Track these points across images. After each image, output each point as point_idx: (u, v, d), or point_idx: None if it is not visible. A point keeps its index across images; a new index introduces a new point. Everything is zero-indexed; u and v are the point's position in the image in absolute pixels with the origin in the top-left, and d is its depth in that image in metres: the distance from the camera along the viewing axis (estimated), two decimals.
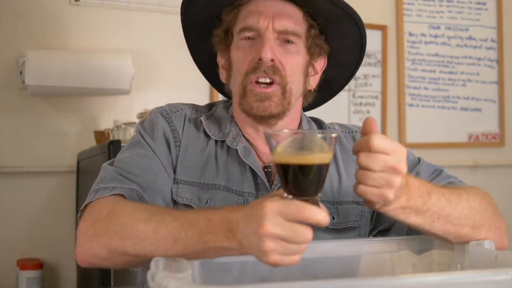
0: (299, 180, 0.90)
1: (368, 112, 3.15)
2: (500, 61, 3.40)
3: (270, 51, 1.23)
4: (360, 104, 3.16)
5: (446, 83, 3.32)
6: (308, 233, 0.88)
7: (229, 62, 1.32)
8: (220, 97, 2.84)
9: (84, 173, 2.52)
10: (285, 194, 0.92)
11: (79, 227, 1.13)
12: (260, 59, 1.23)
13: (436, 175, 1.30)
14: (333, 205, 1.31)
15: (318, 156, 0.90)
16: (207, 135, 1.33)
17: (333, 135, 0.92)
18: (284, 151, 0.90)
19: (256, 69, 1.24)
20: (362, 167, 0.96)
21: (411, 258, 1.20)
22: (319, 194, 0.92)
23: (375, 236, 1.37)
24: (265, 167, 1.30)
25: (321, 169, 0.90)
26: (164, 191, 1.26)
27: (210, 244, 0.95)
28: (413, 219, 1.06)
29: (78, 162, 2.61)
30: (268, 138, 0.93)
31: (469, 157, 3.31)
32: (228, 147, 1.31)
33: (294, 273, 1.14)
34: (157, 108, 1.36)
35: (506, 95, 3.41)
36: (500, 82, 3.40)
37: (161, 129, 1.31)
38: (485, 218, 1.14)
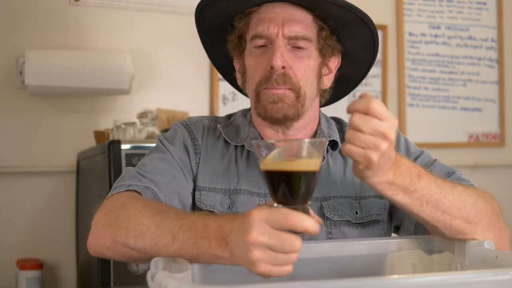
0: (287, 188, 0.90)
1: None
2: (500, 61, 3.40)
3: (281, 59, 1.25)
4: None
5: (446, 83, 3.32)
6: (296, 242, 0.86)
7: (243, 68, 1.35)
8: (220, 97, 2.86)
9: (84, 173, 2.52)
10: (275, 204, 0.92)
11: (94, 217, 1.15)
12: (271, 67, 1.25)
13: (447, 176, 1.30)
14: (356, 200, 1.33)
15: (305, 163, 0.90)
16: (227, 142, 1.36)
17: (322, 140, 0.95)
18: (272, 159, 0.90)
19: (268, 78, 1.26)
20: (353, 127, 0.98)
21: (411, 258, 1.20)
22: (309, 202, 0.92)
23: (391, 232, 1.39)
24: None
25: (309, 176, 0.90)
26: (181, 192, 1.28)
27: (204, 250, 0.96)
28: (400, 197, 1.07)
29: (78, 162, 2.61)
30: (256, 147, 0.93)
31: (469, 157, 3.31)
32: (248, 151, 1.33)
33: (294, 273, 1.14)
34: (178, 120, 1.41)
35: (506, 95, 3.41)
36: (500, 82, 3.40)
37: (181, 137, 1.35)
38: (482, 215, 1.13)
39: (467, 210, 1.12)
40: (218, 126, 1.37)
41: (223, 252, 0.93)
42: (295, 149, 0.91)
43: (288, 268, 0.89)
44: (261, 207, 0.90)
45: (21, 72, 2.56)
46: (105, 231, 1.10)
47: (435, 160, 1.36)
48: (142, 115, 2.46)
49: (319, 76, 1.33)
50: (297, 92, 1.27)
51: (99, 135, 2.50)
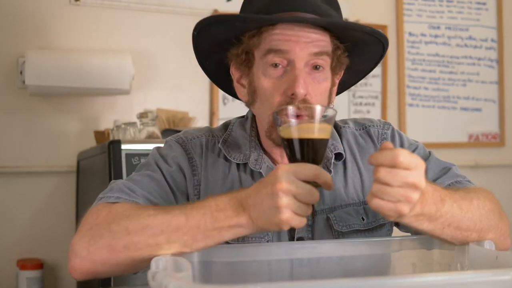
0: (303, 149, 1.01)
1: (368, 112, 3.15)
2: (500, 61, 3.40)
3: (304, 86, 1.19)
4: (360, 104, 3.16)
5: (446, 83, 3.32)
6: (317, 193, 0.97)
7: (252, 86, 1.28)
8: (220, 98, 2.86)
9: (84, 173, 2.52)
10: None
11: (72, 239, 1.11)
12: (293, 94, 1.19)
13: (443, 173, 1.30)
14: (361, 206, 1.30)
15: (318, 127, 1.02)
16: (227, 160, 1.30)
17: (331, 108, 1.07)
18: (289, 125, 1.02)
19: (290, 104, 1.19)
20: (380, 182, 0.94)
21: (411, 258, 1.20)
22: (320, 166, 1.03)
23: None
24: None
25: (322, 139, 1.03)
26: None
27: (221, 222, 1.00)
28: (425, 226, 1.05)
29: (78, 162, 2.61)
30: (275, 118, 1.04)
31: (469, 157, 3.31)
32: (251, 169, 1.29)
33: (294, 273, 1.14)
34: (173, 136, 1.35)
35: (506, 95, 3.41)
36: (500, 82, 3.40)
37: (176, 156, 1.29)
38: (492, 225, 1.14)
39: (482, 224, 1.12)
40: (219, 145, 1.32)
41: (241, 219, 0.99)
42: (308, 115, 1.04)
43: (304, 220, 0.97)
44: (284, 164, 1.01)
45: (21, 72, 2.56)
46: (95, 245, 1.06)
47: (430, 153, 1.35)
48: (142, 115, 2.46)
49: (330, 95, 1.30)
50: None
51: (99, 135, 2.50)
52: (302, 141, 1.02)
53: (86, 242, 1.08)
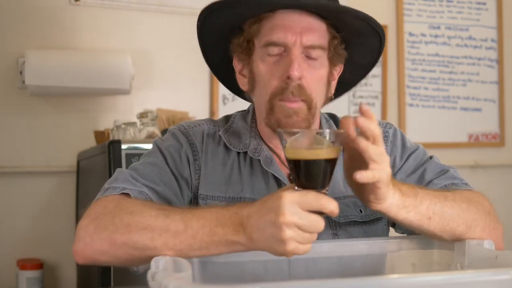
0: (310, 173, 0.96)
1: None
2: (500, 61, 3.40)
3: (299, 70, 1.22)
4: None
5: (446, 83, 3.32)
6: (321, 222, 0.94)
7: (251, 73, 1.31)
8: (220, 98, 2.86)
9: (84, 173, 2.52)
10: (296, 188, 0.97)
11: (80, 223, 1.13)
12: (288, 77, 1.23)
13: (441, 174, 1.31)
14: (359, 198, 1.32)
15: (326, 151, 0.95)
16: (227, 148, 1.34)
17: (341, 131, 0.97)
18: (296, 147, 0.96)
19: (284, 89, 1.24)
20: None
21: (411, 258, 1.20)
22: (327, 188, 0.97)
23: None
24: (290, 175, 1.30)
25: (330, 163, 0.96)
26: (173, 200, 1.26)
27: (219, 237, 0.98)
28: (412, 215, 1.07)
29: (78, 162, 2.61)
30: (280, 136, 0.98)
31: (469, 157, 3.30)
32: (251, 158, 1.32)
33: (292, 273, 1.14)
34: (175, 125, 1.38)
35: (506, 95, 3.41)
36: (500, 82, 3.40)
37: (178, 143, 1.32)
38: (477, 219, 1.15)
39: (465, 215, 1.13)
40: (220, 132, 1.35)
41: (240, 238, 0.97)
42: (316, 137, 0.97)
43: (309, 247, 0.95)
44: (288, 190, 0.95)
45: (21, 72, 2.56)
46: (99, 235, 1.08)
47: (431, 157, 1.36)
48: (142, 115, 2.46)
49: (328, 85, 1.32)
50: (309, 104, 1.26)
51: (99, 135, 2.50)
52: (308, 163, 0.95)
53: (91, 230, 1.10)
